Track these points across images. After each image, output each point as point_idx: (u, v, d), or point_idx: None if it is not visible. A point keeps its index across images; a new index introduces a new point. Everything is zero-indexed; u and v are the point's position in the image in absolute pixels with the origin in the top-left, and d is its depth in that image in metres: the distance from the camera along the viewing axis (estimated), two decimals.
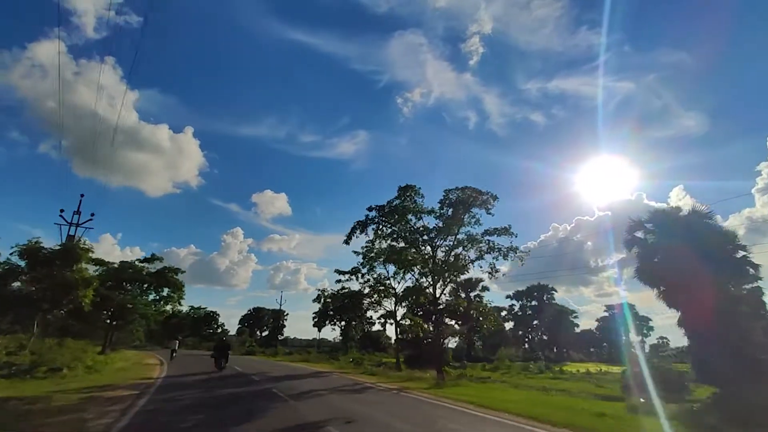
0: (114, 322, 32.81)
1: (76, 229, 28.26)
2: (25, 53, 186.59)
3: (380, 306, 29.53)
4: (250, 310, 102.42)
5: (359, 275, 29.38)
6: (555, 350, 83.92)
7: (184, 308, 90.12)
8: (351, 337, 70.52)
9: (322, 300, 29.73)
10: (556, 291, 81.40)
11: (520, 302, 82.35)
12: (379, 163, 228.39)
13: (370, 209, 23.33)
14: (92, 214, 29.24)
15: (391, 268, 29.32)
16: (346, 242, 23.48)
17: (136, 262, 35.98)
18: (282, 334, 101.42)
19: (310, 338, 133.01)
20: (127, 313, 32.03)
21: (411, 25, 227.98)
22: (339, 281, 29.28)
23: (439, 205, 23.18)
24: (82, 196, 28.98)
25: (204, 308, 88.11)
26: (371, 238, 25.09)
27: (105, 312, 31.16)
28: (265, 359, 39.93)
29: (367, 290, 29.42)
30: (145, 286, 36.86)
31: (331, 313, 71.40)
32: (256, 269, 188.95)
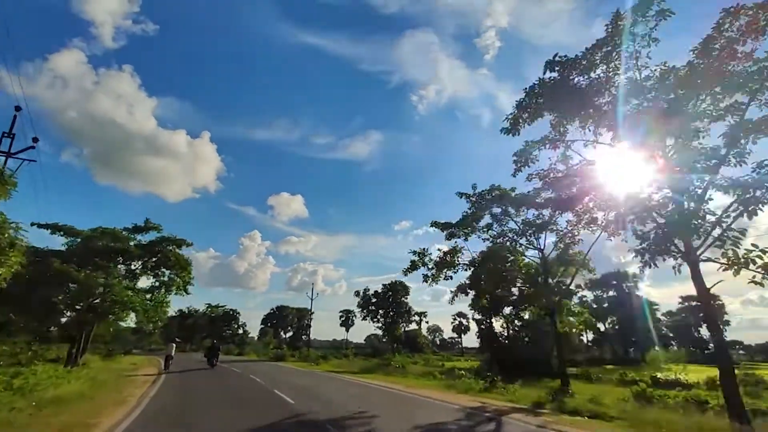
0: (86, 317, 21.42)
1: (6, 161, 17.25)
2: (46, 64, 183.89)
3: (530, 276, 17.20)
4: (273, 309, 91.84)
5: (472, 229, 17.19)
6: (633, 348, 70.99)
7: (201, 306, 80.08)
8: (398, 336, 58.72)
9: (432, 271, 16.55)
10: (637, 279, 67.71)
11: (594, 293, 69.12)
12: (392, 163, 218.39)
13: (550, 66, 11.17)
14: (35, 140, 18.11)
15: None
16: (511, 131, 11.53)
17: (123, 232, 24.80)
18: (308, 335, 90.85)
19: (331, 339, 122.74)
20: (103, 301, 20.67)
21: (421, 24, 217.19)
22: (452, 235, 16.98)
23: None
24: (17, 110, 17.84)
25: (222, 306, 77.43)
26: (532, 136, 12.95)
27: (68, 300, 19.89)
28: (306, 369, 28.26)
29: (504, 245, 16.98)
30: (137, 267, 25.63)
31: (373, 308, 59.98)
32: (274, 271, 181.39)
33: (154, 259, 26.02)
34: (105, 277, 19.19)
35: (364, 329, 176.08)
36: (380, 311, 57.84)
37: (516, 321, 47.15)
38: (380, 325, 59.46)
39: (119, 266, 23.59)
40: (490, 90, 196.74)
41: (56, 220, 23.19)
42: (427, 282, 16.79)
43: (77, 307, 20.27)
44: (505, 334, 48.26)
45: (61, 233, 23.71)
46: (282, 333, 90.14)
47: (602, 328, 73.60)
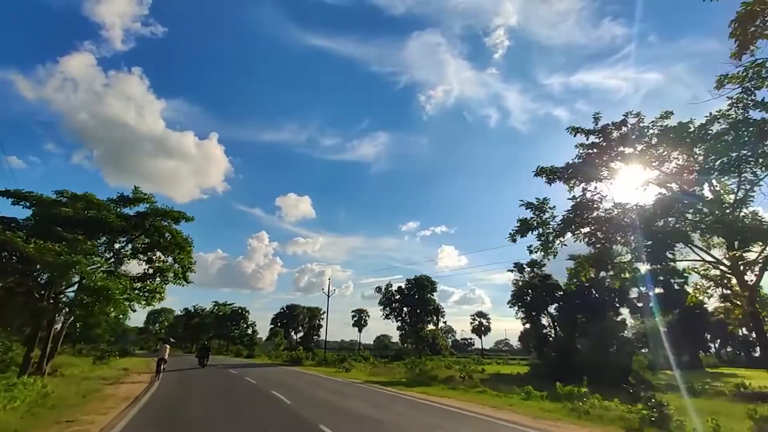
0: (40, 306, 15.83)
1: None
2: (57, 67, 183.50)
3: None
4: (283, 309, 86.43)
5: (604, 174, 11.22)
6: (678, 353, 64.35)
7: (208, 305, 74.83)
8: (423, 337, 52.76)
9: (556, 232, 10.47)
10: (690, 274, 60.78)
11: (637, 289, 62.49)
12: (399, 164, 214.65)
13: None
14: None
15: None
16: None
17: (106, 201, 19.33)
18: (319, 335, 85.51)
19: (339, 340, 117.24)
20: (82, 289, 15.18)
21: (429, 25, 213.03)
22: (580, 181, 10.67)
23: None
24: None
25: (230, 304, 72.14)
26: None
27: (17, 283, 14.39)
28: (339, 378, 22.59)
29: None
30: (123, 245, 20.17)
31: (396, 305, 54.16)
32: (281, 272, 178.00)
33: (147, 240, 20.58)
34: (69, 252, 13.66)
35: (372, 330, 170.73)
36: (405, 309, 52.02)
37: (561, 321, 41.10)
38: (400, 324, 53.74)
39: (98, 245, 18.11)
40: (498, 90, 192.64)
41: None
42: (542, 252, 11.10)
43: (36, 294, 14.85)
44: (552, 335, 42.13)
45: (27, 203, 18.34)
46: (293, 333, 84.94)
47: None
